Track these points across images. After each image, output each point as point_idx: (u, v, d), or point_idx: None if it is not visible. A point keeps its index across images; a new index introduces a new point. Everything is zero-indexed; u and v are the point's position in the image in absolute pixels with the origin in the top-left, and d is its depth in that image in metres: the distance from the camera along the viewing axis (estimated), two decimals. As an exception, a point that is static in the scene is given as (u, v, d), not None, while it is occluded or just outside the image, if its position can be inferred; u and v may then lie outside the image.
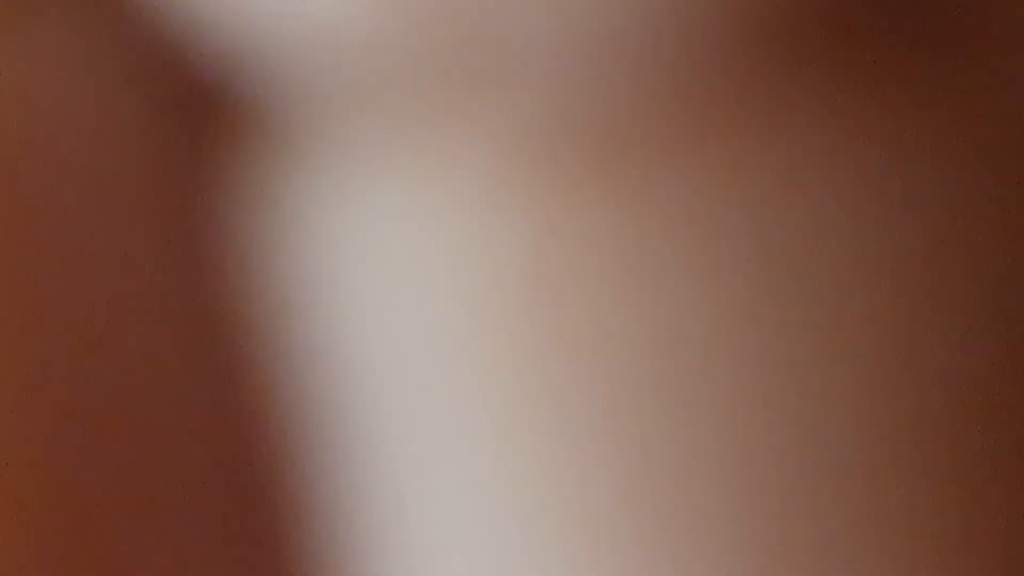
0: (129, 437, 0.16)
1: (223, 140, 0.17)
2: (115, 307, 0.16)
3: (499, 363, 0.17)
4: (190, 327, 0.17)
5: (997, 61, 0.17)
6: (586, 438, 0.17)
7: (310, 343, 0.17)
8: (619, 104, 0.16)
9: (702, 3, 0.16)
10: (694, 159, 0.17)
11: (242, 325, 0.17)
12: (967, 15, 0.17)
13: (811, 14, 0.16)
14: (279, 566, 0.17)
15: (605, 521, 0.17)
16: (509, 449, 0.17)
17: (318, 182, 0.17)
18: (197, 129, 0.17)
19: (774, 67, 0.16)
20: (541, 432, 0.17)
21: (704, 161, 0.17)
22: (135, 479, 0.16)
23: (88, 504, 0.16)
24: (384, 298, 0.17)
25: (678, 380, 0.17)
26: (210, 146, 0.17)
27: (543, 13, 0.16)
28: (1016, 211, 0.17)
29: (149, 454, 0.16)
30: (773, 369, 0.17)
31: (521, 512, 0.17)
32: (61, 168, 0.16)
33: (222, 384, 0.17)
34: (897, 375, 0.17)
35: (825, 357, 0.17)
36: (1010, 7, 0.17)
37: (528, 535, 0.17)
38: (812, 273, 0.16)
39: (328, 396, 0.17)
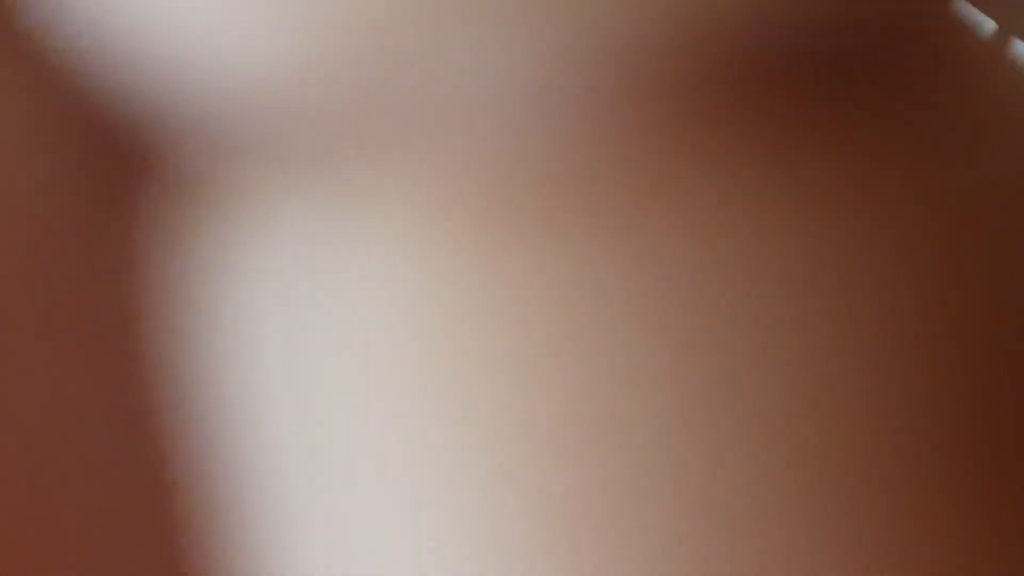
0: (46, 455, 0.17)
1: (145, 192, 0.17)
2: (35, 342, 0.16)
3: (410, 403, 0.17)
4: (107, 365, 0.17)
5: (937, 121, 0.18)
6: (488, 478, 0.17)
7: (226, 385, 0.17)
8: (545, 155, 0.16)
9: (631, 57, 0.16)
10: (622, 207, 0.17)
11: (160, 370, 0.17)
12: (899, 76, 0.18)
13: (743, 70, 0.17)
14: (176, 568, 0.17)
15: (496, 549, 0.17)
16: (416, 489, 0.17)
17: (241, 232, 0.17)
18: (117, 181, 0.17)
19: (710, 117, 0.17)
20: (452, 460, 0.17)
21: (635, 208, 0.17)
22: (47, 489, 0.16)
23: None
24: (299, 337, 0.17)
25: (602, 421, 0.17)
26: (131, 197, 0.17)
27: (468, 64, 0.16)
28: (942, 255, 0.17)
29: (65, 470, 0.17)
30: (708, 411, 0.17)
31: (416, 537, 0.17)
32: None
33: (135, 417, 0.17)
34: (831, 413, 0.17)
35: (765, 396, 0.17)
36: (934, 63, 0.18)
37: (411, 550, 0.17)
38: (744, 317, 0.17)
39: (245, 430, 0.17)
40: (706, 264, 0.16)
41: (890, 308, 0.16)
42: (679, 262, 0.16)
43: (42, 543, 0.16)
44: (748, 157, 0.16)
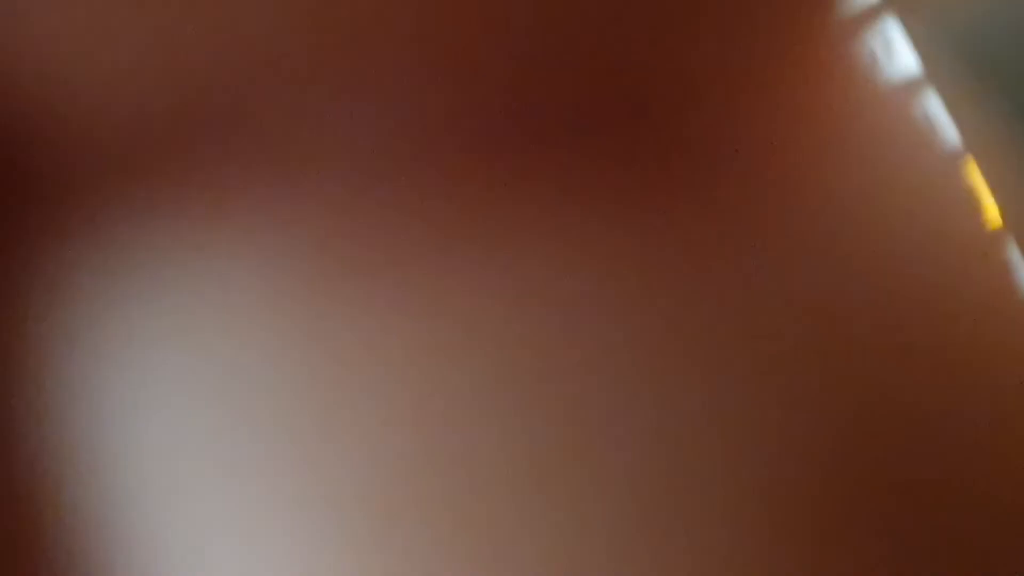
0: None
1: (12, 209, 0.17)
2: None
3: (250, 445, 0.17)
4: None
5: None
6: (327, 529, 0.17)
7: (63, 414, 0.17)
8: (379, 202, 0.16)
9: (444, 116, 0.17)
10: (439, 262, 0.17)
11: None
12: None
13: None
14: None
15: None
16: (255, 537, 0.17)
17: (79, 254, 0.17)
18: None
19: (497, 174, 0.17)
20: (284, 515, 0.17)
21: (450, 263, 0.17)
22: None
23: None
24: (134, 370, 0.17)
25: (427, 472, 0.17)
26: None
27: (302, 110, 0.16)
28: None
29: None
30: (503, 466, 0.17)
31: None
32: None
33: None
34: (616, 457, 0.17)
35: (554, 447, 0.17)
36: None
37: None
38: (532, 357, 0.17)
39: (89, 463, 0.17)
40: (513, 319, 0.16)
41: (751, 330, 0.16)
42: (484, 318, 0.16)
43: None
44: (561, 215, 0.16)
